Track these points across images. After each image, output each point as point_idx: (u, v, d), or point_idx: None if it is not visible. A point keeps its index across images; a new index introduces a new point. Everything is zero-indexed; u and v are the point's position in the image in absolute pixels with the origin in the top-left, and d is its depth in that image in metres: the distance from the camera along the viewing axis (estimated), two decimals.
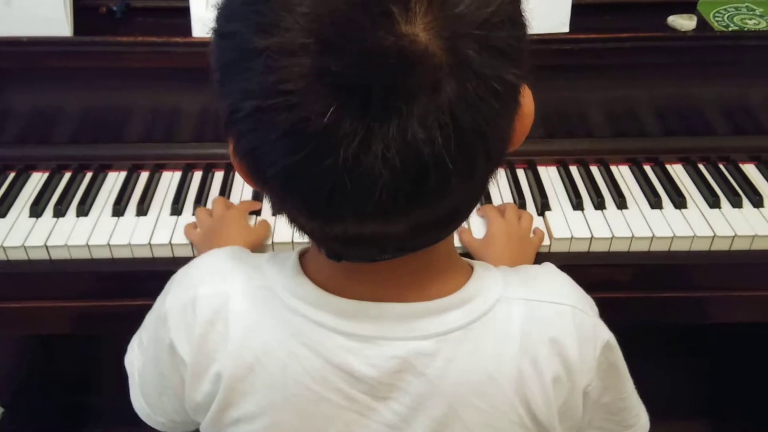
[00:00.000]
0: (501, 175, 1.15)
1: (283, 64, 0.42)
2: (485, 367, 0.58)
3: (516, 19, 0.47)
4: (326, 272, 0.58)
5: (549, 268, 0.66)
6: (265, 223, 1.04)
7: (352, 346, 0.56)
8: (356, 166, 0.43)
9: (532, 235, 1.03)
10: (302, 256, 0.60)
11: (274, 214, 1.05)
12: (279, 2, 0.43)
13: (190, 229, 1.04)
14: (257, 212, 1.08)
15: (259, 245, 1.01)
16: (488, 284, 0.59)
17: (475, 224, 1.04)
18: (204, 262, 0.65)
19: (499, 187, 1.13)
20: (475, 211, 1.06)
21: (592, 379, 0.61)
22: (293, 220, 0.53)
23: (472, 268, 0.61)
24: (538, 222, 1.06)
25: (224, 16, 0.47)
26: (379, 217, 0.47)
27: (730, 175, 1.15)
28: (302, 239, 0.55)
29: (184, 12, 1.09)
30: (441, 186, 0.46)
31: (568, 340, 0.59)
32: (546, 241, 1.03)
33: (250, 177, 0.50)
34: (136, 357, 0.70)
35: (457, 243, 1.01)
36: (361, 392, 0.58)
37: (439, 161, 0.44)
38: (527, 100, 0.51)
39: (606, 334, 0.62)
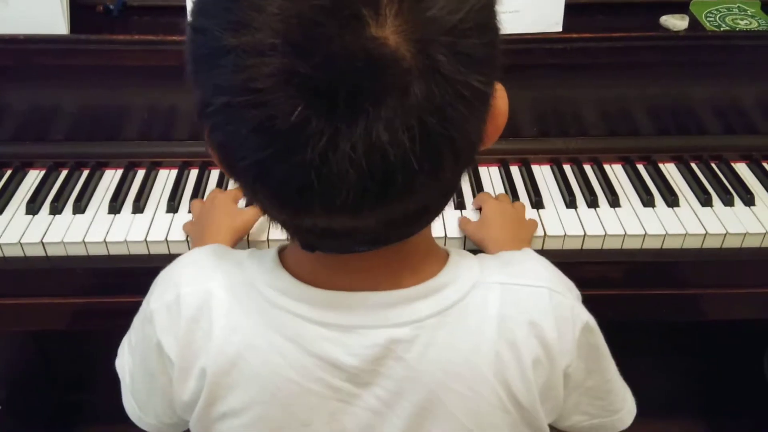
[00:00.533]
0: (495, 173, 1.16)
1: (252, 63, 0.43)
2: (463, 352, 0.59)
3: (487, 24, 0.47)
4: (304, 265, 0.59)
5: (527, 252, 0.67)
6: (255, 209, 1.00)
7: (331, 335, 0.57)
8: (323, 165, 0.44)
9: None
10: (282, 251, 0.61)
11: (247, 205, 1.03)
12: (248, 2, 0.43)
13: (187, 223, 1.05)
14: None
15: (249, 227, 0.99)
16: (463, 270, 0.60)
17: (472, 217, 1.05)
18: (186, 261, 0.66)
19: (493, 185, 1.14)
20: (471, 202, 1.07)
21: (572, 359, 0.62)
22: (266, 211, 0.54)
23: (449, 256, 0.61)
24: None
25: (198, 10, 0.48)
26: (347, 212, 0.47)
27: (722, 173, 1.16)
28: None
29: (181, 11, 1.09)
30: (407, 186, 0.46)
31: (545, 321, 0.60)
32: (539, 238, 1.04)
33: (223, 166, 0.51)
34: (126, 359, 0.70)
35: (458, 234, 1.02)
36: (342, 380, 0.59)
37: (406, 163, 0.44)
38: (500, 100, 0.51)
39: (585, 316, 0.63)
